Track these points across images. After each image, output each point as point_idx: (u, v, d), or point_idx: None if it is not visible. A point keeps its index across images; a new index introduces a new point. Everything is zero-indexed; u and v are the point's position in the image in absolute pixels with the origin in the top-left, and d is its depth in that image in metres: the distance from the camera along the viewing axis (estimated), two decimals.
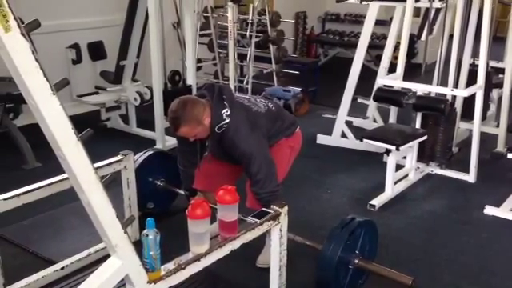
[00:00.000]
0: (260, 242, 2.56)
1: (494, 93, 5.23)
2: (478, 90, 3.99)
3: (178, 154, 2.99)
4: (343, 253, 2.40)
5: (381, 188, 3.79)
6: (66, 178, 2.21)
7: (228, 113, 2.54)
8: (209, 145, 2.74)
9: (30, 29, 1.48)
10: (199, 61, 5.96)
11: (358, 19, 8.43)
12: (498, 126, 4.83)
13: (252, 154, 2.54)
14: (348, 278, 2.49)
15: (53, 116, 1.46)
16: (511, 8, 4.59)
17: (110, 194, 1.64)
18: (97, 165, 2.50)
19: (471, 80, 4.24)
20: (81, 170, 1.55)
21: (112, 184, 2.95)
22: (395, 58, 4.57)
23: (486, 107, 4.78)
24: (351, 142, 4.78)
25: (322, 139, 4.95)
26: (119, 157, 2.86)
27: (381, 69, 4.93)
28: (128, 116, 5.24)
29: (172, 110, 2.51)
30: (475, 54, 4.36)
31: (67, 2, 5.39)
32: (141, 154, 3.28)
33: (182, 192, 3.21)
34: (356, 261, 2.47)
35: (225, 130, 2.55)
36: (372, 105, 5.20)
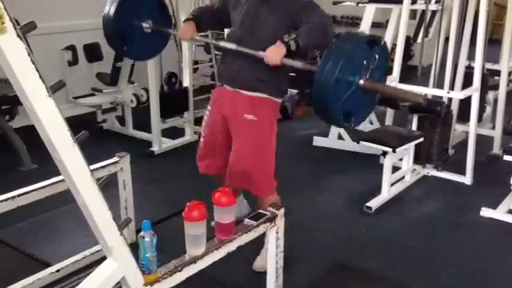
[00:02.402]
0: (255, 245, 2.55)
1: (490, 95, 5.25)
2: (474, 92, 4.01)
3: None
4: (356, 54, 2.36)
5: (377, 190, 3.79)
6: (62, 180, 2.20)
7: None
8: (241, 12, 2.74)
9: (26, 30, 1.47)
10: (196, 62, 5.94)
11: (355, 21, 8.42)
12: (493, 127, 4.84)
13: (311, 3, 2.66)
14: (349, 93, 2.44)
15: (49, 118, 1.45)
16: (507, 10, 4.59)
17: (106, 195, 1.64)
18: (93, 167, 2.51)
19: (467, 82, 4.26)
20: (77, 171, 1.54)
21: (108, 186, 2.94)
22: (391, 60, 4.56)
23: (481, 109, 4.79)
24: (348, 144, 4.79)
25: (318, 141, 4.95)
26: (115, 159, 2.86)
27: None
28: (124, 118, 5.22)
29: None
30: (471, 56, 4.37)
31: (63, 4, 5.37)
32: None
33: (172, 32, 3.15)
34: (362, 81, 2.42)
35: None
36: None
